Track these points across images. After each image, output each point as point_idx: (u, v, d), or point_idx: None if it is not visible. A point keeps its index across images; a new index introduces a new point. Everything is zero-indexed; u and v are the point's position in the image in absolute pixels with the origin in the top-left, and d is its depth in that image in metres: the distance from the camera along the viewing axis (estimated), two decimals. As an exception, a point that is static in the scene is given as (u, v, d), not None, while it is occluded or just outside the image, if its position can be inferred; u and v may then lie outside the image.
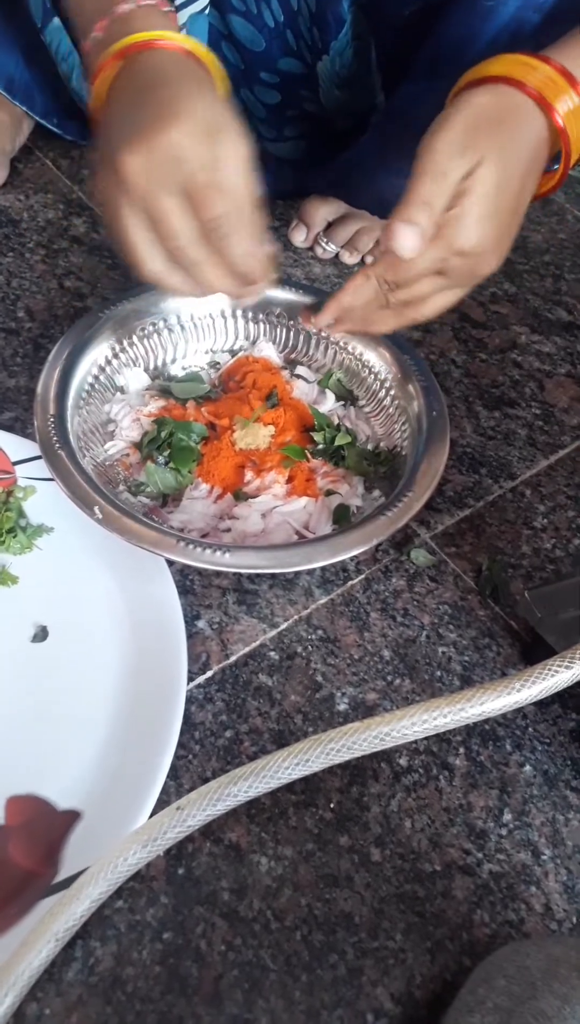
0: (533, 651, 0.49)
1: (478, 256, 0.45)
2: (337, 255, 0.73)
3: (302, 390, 0.60)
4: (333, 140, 0.71)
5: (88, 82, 0.46)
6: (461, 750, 0.46)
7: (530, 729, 0.47)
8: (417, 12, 0.59)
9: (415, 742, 0.46)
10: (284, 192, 0.76)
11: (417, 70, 0.59)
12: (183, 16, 0.59)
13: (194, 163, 0.41)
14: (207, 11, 0.60)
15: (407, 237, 0.42)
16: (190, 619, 0.49)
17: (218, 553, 0.46)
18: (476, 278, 0.48)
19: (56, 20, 0.70)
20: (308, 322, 0.54)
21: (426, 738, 0.46)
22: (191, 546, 0.46)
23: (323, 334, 0.61)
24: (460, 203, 0.43)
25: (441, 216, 0.43)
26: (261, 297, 0.51)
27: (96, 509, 0.47)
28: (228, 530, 0.52)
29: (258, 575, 0.52)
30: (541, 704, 0.48)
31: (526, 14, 0.52)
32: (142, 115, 0.42)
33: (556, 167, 0.48)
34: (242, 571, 0.47)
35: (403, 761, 0.45)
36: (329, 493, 0.54)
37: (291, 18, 0.61)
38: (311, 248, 0.73)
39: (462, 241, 0.44)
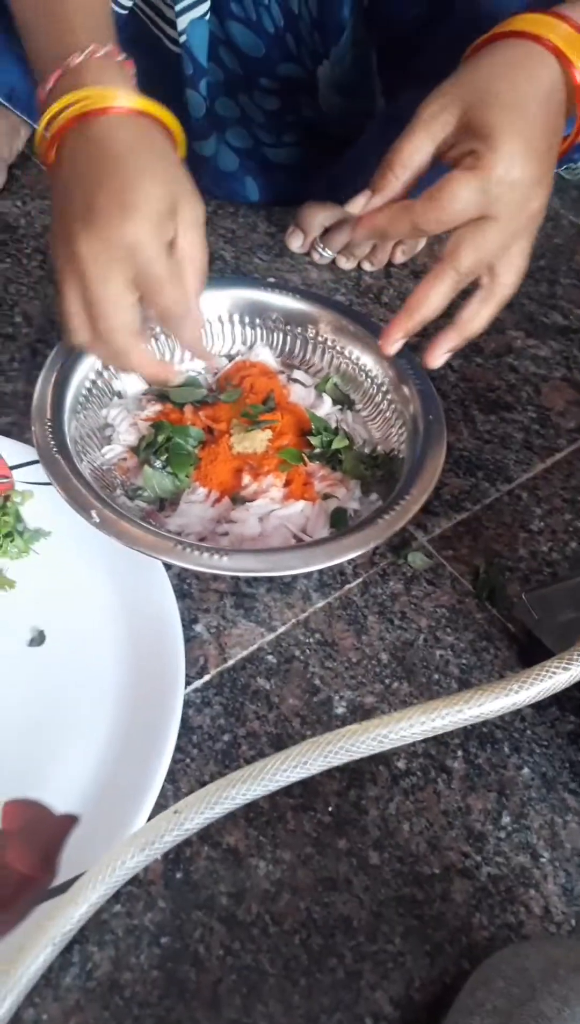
0: (530, 653, 0.49)
1: (524, 188, 0.44)
2: (333, 260, 0.74)
3: (299, 394, 0.60)
4: (331, 146, 0.71)
5: (42, 139, 0.46)
6: (459, 753, 0.46)
7: (528, 732, 0.47)
8: (419, 18, 0.59)
9: (413, 745, 0.46)
10: (281, 197, 0.76)
11: (419, 74, 0.59)
12: (183, 22, 0.59)
13: (149, 253, 0.42)
14: (207, 17, 0.60)
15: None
16: (188, 623, 0.49)
17: (216, 557, 0.46)
18: (530, 219, 0.45)
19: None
20: (386, 343, 0.50)
21: (424, 741, 0.46)
22: (188, 549, 0.46)
23: (321, 339, 0.61)
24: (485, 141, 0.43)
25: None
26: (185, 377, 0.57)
27: (93, 513, 0.47)
28: (226, 534, 0.52)
29: (256, 579, 0.52)
30: (539, 707, 0.48)
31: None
32: (99, 196, 0.42)
33: (569, 132, 0.48)
34: (239, 575, 0.47)
35: (401, 764, 0.45)
36: (326, 497, 0.54)
37: (292, 23, 0.61)
38: (308, 253, 0.73)
39: (501, 171, 0.43)
